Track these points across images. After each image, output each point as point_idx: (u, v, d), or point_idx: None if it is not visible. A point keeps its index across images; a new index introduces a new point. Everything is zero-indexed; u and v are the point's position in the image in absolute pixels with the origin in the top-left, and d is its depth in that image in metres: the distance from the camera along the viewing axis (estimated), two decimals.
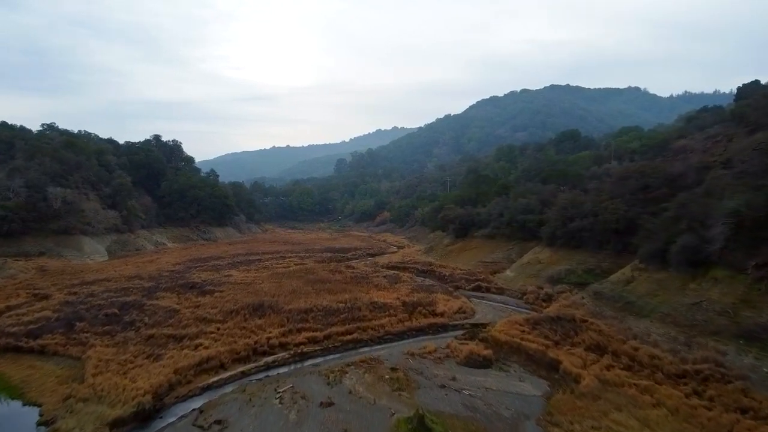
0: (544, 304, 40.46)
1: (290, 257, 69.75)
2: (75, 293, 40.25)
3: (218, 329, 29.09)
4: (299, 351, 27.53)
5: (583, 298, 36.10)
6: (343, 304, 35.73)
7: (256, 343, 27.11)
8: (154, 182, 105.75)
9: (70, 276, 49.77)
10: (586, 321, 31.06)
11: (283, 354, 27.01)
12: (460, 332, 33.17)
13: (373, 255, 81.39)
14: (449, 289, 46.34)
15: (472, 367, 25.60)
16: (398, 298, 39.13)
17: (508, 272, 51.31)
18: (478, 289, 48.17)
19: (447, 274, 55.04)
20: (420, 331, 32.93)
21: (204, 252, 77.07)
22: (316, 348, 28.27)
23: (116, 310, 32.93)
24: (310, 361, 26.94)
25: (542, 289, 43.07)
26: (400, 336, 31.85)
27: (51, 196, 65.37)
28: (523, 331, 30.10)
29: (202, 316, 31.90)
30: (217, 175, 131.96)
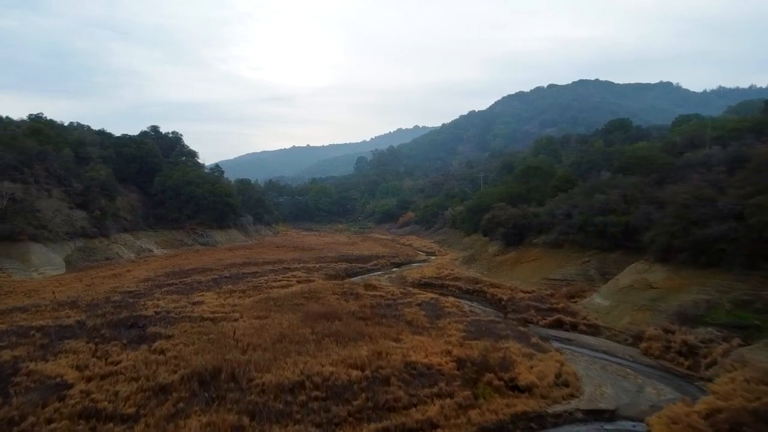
0: (685, 363, 24.97)
1: (295, 269, 55.28)
2: None
3: None
4: None
5: None
6: (360, 372, 20.75)
7: None
8: (147, 179, 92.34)
9: None
10: None
11: None
12: None
13: (398, 265, 66.81)
14: (519, 327, 30.98)
15: None
16: (448, 352, 23.98)
17: (597, 299, 35.67)
18: (558, 324, 32.84)
19: (505, 298, 39.80)
20: None
21: (192, 261, 63.02)
22: None
23: None
24: None
25: (671, 332, 27.35)
26: None
27: None
28: None
29: (97, 404, 17.19)
30: (222, 171, 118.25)
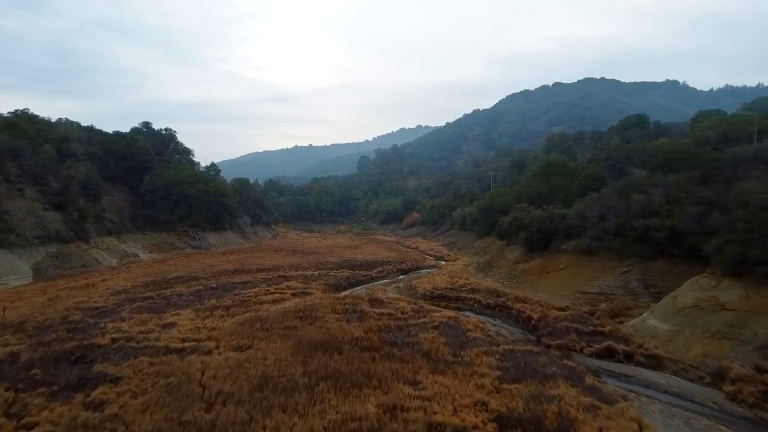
0: None
1: (291, 278, 49.31)
2: None
3: None
4: None
5: None
6: None
7: None
8: (138, 178, 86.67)
9: None
10: None
11: None
12: None
13: (405, 272, 61.00)
14: (565, 360, 24.84)
15: None
16: (484, 404, 17.91)
17: (652, 320, 29.54)
18: (609, 354, 26.78)
19: (536, 316, 33.63)
20: None
21: (179, 267, 57.22)
22: None
23: None
24: None
25: (766, 372, 21.44)
26: None
27: None
28: None
29: None
30: (218, 170, 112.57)
